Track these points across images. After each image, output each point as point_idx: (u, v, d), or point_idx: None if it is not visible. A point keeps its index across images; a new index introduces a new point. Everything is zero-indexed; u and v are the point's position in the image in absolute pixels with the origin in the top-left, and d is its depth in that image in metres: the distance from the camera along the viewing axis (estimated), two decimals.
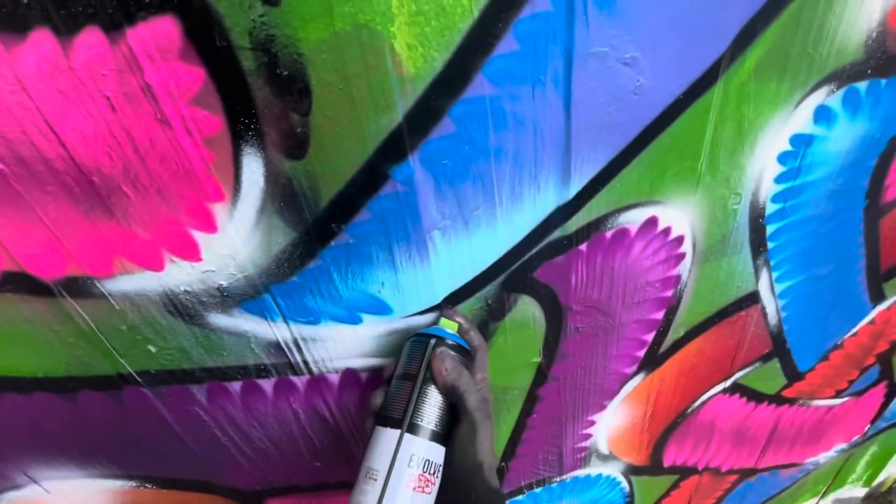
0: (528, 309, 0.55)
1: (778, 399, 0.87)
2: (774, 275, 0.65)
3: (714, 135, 0.48)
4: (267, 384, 0.50)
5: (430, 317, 0.50)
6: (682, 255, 0.57)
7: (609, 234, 0.51)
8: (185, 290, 0.41)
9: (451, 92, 0.37)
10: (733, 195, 0.54)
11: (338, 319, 0.47)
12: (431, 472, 0.41)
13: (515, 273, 0.51)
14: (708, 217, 0.54)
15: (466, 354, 0.46)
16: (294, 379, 0.50)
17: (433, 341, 0.44)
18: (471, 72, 0.37)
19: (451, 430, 0.44)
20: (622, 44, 0.39)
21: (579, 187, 0.46)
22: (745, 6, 0.41)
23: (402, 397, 0.43)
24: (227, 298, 0.42)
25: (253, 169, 0.36)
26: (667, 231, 0.54)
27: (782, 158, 0.53)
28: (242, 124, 0.34)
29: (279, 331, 0.46)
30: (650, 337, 0.64)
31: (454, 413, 0.44)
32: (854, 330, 0.79)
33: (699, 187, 0.51)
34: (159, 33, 0.30)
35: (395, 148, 0.38)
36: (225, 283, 0.41)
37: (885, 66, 0.49)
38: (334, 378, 0.52)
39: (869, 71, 0.48)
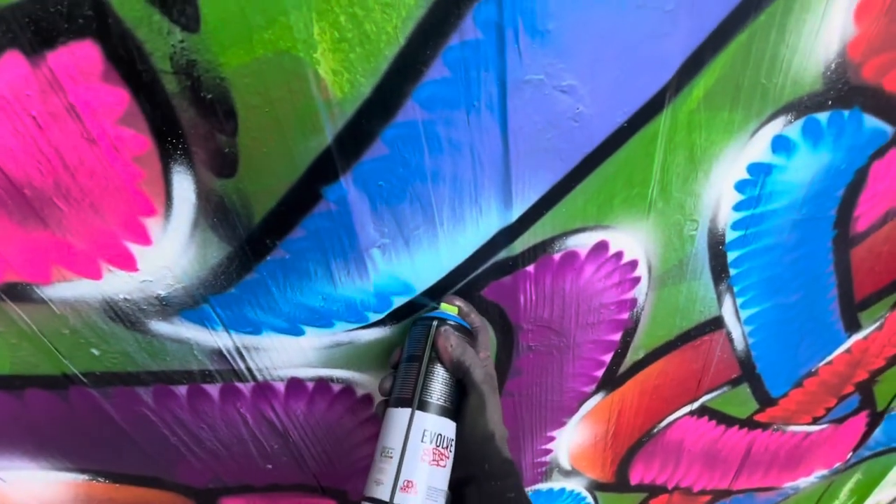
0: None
1: (750, 423, 0.86)
2: (739, 301, 0.63)
3: (664, 162, 0.47)
4: (213, 389, 0.51)
5: (375, 330, 0.51)
6: (638, 279, 0.56)
7: (557, 256, 0.51)
8: (125, 298, 0.42)
9: (381, 116, 0.38)
10: (689, 221, 0.53)
11: (279, 330, 0.48)
12: (444, 446, 0.43)
13: (461, 291, 0.51)
14: (663, 242, 0.54)
15: (469, 335, 0.48)
16: (239, 385, 0.51)
17: (436, 322, 0.46)
18: (401, 97, 0.37)
19: (461, 404, 0.45)
20: (558, 72, 0.39)
21: (522, 210, 0.46)
22: (689, 37, 0.40)
23: (411, 378, 0.45)
24: (167, 307, 0.43)
25: (184, 186, 0.37)
26: (619, 255, 0.53)
27: (740, 186, 0.52)
28: (170, 144, 0.35)
29: (221, 339, 0.47)
30: (608, 357, 0.64)
31: (462, 389, 0.46)
32: (829, 358, 0.77)
33: (651, 213, 0.51)
34: (80, 57, 0.31)
35: (325, 169, 0.39)
36: (163, 293, 0.42)
37: (847, 96, 0.47)
38: (280, 386, 0.53)
39: (829, 102, 0.47)
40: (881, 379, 0.85)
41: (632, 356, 0.65)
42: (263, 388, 0.52)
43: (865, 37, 0.44)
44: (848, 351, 0.77)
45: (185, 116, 0.34)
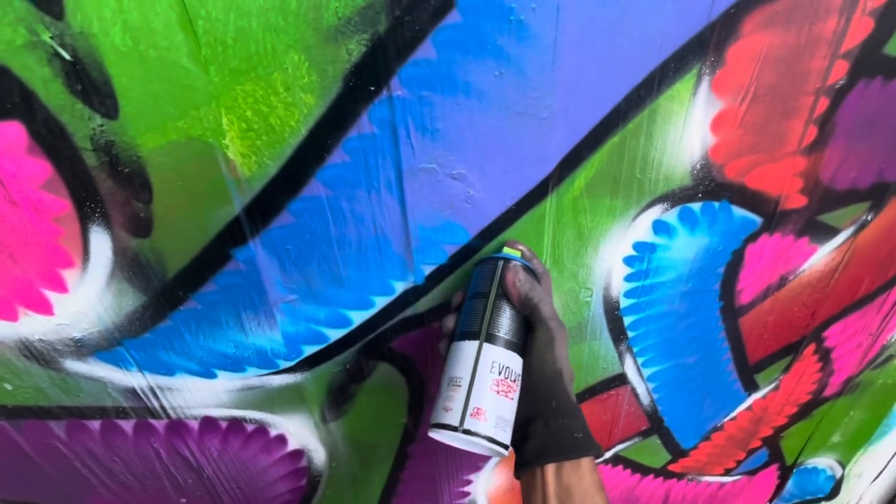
0: (388, 374, 0.59)
1: (665, 472, 0.90)
2: (640, 360, 0.69)
3: (554, 238, 0.53)
4: (126, 424, 0.53)
5: (286, 376, 0.54)
6: None
7: None
8: (40, 339, 0.45)
9: (287, 192, 0.42)
10: (584, 289, 0.58)
11: (192, 373, 0.51)
12: (512, 379, 0.42)
13: (371, 343, 0.55)
14: (560, 306, 0.59)
15: (534, 277, 0.47)
16: (153, 422, 0.54)
17: (502, 261, 0.47)
18: (305, 176, 0.42)
19: (528, 341, 0.45)
20: (448, 162, 0.44)
21: (423, 276, 0.51)
22: (566, 138, 0.46)
23: (478, 313, 0.45)
24: (82, 348, 0.46)
25: (101, 243, 0.41)
26: None
27: (628, 261, 0.58)
28: (89, 207, 0.39)
29: (135, 379, 0.50)
30: None
31: (527, 328, 0.45)
32: (733, 414, 0.83)
33: None
34: (7, 134, 0.35)
35: (235, 234, 0.43)
36: (79, 336, 0.45)
37: (714, 191, 0.54)
38: (194, 424, 0.55)
39: (700, 195, 0.54)
40: (786, 435, 0.91)
41: None
42: (177, 426, 0.55)
43: (724, 144, 0.51)
44: (749, 408, 0.83)
45: (104, 186, 0.38)
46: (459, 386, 0.41)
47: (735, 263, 0.62)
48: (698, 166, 0.52)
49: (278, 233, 0.44)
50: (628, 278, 0.59)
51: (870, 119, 0.52)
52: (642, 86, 0.45)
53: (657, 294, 0.62)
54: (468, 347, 0.43)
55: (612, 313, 0.62)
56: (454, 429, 0.40)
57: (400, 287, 0.52)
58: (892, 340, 0.79)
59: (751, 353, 0.74)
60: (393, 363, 0.58)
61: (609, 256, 0.56)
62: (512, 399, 0.42)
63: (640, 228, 0.55)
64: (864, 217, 0.61)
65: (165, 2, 0.32)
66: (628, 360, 0.68)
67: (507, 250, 0.48)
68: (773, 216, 0.58)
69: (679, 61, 0.44)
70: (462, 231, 0.49)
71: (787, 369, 0.78)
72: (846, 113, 0.51)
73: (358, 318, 0.52)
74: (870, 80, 0.49)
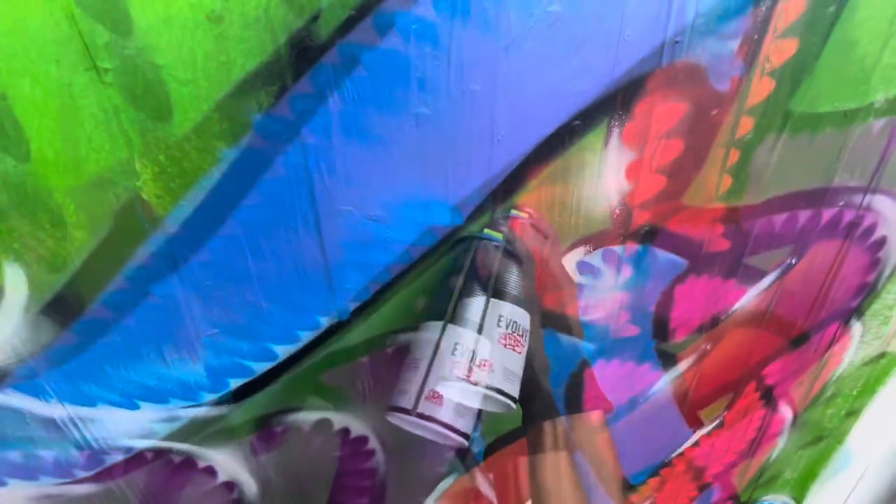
0: (318, 408, 0.59)
1: None
2: None
3: None
4: (48, 454, 0.53)
5: (214, 408, 0.54)
6: None
7: (390, 350, 0.57)
8: None
9: (204, 231, 0.44)
10: None
11: (114, 404, 0.51)
12: (519, 333, 0.43)
13: (300, 375, 0.56)
14: None
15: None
16: (77, 452, 0.54)
17: (508, 221, 0.48)
18: (221, 216, 0.43)
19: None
20: (366, 205, 0.46)
21: (348, 312, 0.52)
22: (480, 188, 0.48)
23: (483, 272, 0.46)
24: None
25: (17, 277, 0.42)
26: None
27: None
28: (4, 244, 0.40)
29: (55, 410, 0.50)
30: None
31: None
32: (679, 451, 0.83)
33: None
34: None
35: (153, 270, 0.44)
36: None
37: (636, 234, 0.56)
38: (118, 455, 0.55)
39: (621, 238, 0.56)
40: (736, 472, 0.91)
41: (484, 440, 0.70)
42: (100, 456, 0.55)
43: (640, 191, 0.53)
44: (696, 444, 0.83)
45: (19, 224, 0.39)
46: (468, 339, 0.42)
47: (665, 303, 0.63)
48: (617, 210, 0.53)
49: (196, 269, 0.45)
50: None
51: (782, 169, 0.55)
52: (553, 137, 0.47)
53: (588, 332, 0.63)
54: (476, 301, 0.44)
55: None
56: (462, 381, 0.41)
57: (325, 322, 0.53)
58: (833, 379, 0.81)
59: (691, 390, 0.75)
60: (323, 396, 0.58)
61: None
62: (520, 353, 0.43)
63: (566, 268, 0.57)
64: (789, 261, 0.63)
65: (74, 57, 0.34)
66: None
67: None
68: (697, 258, 0.60)
69: (587, 117, 0.46)
70: (383, 270, 0.50)
71: (729, 406, 0.79)
72: (758, 164, 0.53)
73: (283, 351, 0.53)
74: (777, 134, 0.52)
